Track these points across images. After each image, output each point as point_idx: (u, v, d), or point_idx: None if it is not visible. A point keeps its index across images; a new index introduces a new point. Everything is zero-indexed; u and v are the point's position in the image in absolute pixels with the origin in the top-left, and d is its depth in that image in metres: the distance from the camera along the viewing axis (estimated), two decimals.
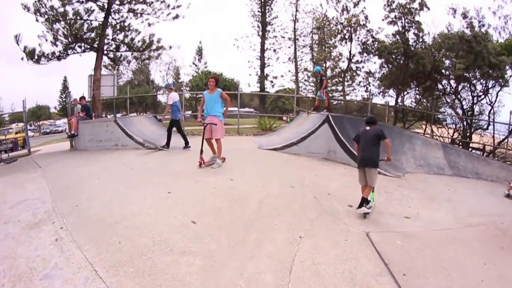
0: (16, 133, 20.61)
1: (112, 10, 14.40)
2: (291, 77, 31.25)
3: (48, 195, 5.23)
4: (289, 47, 30.71)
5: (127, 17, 15.05)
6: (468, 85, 17.93)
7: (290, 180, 6.26)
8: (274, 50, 30.86)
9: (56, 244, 3.52)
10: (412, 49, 17.81)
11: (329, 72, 21.81)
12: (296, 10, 29.66)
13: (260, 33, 30.40)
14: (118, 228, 3.82)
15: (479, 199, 7.02)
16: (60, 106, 49.94)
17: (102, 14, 14.19)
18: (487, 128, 18.16)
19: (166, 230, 3.79)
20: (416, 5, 17.68)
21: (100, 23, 14.13)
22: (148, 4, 15.23)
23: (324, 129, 8.67)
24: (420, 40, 18.08)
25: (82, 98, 11.65)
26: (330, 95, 12.64)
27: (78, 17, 13.65)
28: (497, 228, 5.31)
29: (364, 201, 4.92)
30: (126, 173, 6.46)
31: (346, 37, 19.46)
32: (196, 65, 46.72)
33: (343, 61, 21.18)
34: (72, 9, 13.39)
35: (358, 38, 19.35)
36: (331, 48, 21.81)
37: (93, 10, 14.02)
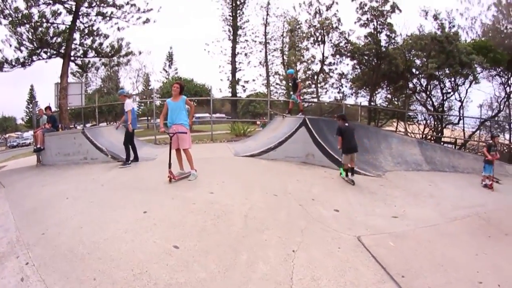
0: None
1: (80, 13, 13.77)
2: (262, 81, 31.34)
3: (11, 222, 4.71)
4: (260, 51, 30.81)
5: (95, 20, 14.49)
6: (438, 83, 18.75)
7: (272, 188, 6.03)
8: (246, 54, 30.72)
9: (21, 286, 3.06)
10: (384, 50, 18.24)
11: (301, 74, 21.92)
12: (267, 14, 29.89)
13: (231, 37, 30.03)
14: (91, 261, 3.39)
15: (459, 192, 7.26)
16: (27, 117, 47.53)
17: (70, 18, 13.57)
18: (458, 123, 19.15)
19: (146, 259, 3.39)
20: (388, 7, 18.17)
21: (67, 26, 13.41)
22: (117, 8, 14.62)
23: (301, 132, 8.53)
24: (392, 41, 18.57)
25: (48, 108, 10.88)
26: (302, 97, 12.65)
27: (44, 20, 12.90)
28: (481, 218, 5.54)
29: (352, 170, 6.92)
30: (97, 190, 5.97)
31: (319, 39, 19.55)
32: (166, 71, 45.97)
33: (316, 64, 21.35)
34: (38, 11, 12.61)
35: (330, 40, 19.58)
36: (303, 51, 21.92)
37: (60, 13, 13.39)
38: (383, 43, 18.59)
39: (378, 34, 18.69)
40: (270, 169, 7.47)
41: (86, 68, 15.94)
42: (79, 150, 9.12)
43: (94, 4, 13.99)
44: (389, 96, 21.61)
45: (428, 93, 19.31)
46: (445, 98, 19.16)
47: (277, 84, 30.44)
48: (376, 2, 18.34)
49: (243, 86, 30.73)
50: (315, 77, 21.51)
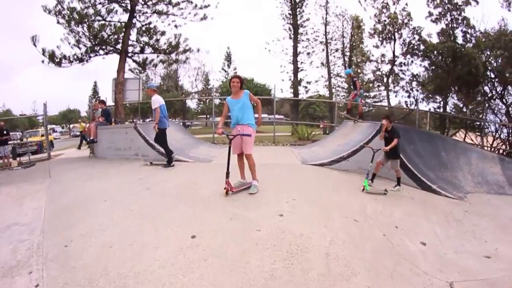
0: (42, 135, 20.18)
1: (136, 12, 13.48)
2: (324, 82, 29.64)
3: (40, 221, 4.24)
4: (322, 50, 29.24)
5: (150, 17, 14.12)
6: None
7: (351, 209, 4.79)
8: (308, 54, 29.02)
9: None
10: (462, 48, 15.64)
11: (370, 75, 19.93)
12: (326, 13, 28.59)
13: (292, 36, 28.73)
14: None
15: None
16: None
17: (126, 16, 13.31)
18: None
19: None
20: None
21: (124, 24, 13.20)
22: (173, 5, 14.17)
23: (377, 141, 7.12)
24: (470, 38, 15.91)
25: (102, 102, 10.71)
26: (364, 100, 10.96)
27: (100, 18, 12.82)
28: None
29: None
30: (140, 195, 5.08)
31: (388, 36, 17.48)
32: (225, 71, 45.96)
33: (386, 63, 19.20)
34: (94, 10, 12.59)
35: (400, 37, 17.45)
36: (369, 50, 19.94)
37: (116, 11, 13.17)
38: (459, 40, 16.11)
39: (453, 30, 16.20)
40: (345, 183, 6.19)
41: (144, 65, 15.74)
42: (130, 146, 8.67)
43: (150, 2, 13.70)
44: (458, 103, 18.80)
45: (503, 99, 16.26)
46: None
47: (338, 86, 28.89)
48: None
49: (306, 87, 28.86)
50: (385, 79, 19.35)
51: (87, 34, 12.71)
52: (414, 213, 5.11)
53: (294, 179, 6.15)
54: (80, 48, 12.89)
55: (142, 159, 8.25)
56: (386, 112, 20.05)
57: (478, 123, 17.25)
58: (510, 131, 15.90)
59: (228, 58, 46.64)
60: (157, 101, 7.39)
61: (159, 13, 13.99)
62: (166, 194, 5.06)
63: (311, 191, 5.41)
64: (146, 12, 13.93)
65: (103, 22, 12.98)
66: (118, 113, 12.75)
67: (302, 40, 28.87)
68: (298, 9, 28.85)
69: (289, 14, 28.70)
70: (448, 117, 17.64)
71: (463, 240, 4.48)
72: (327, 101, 26.56)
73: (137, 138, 8.54)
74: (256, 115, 5.21)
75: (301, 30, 28.70)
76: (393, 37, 17.26)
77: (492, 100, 16.86)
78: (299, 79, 28.24)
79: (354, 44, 28.43)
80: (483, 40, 15.20)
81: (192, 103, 45.04)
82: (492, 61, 15.55)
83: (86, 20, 12.39)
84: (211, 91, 29.11)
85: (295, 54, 28.38)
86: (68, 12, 12.16)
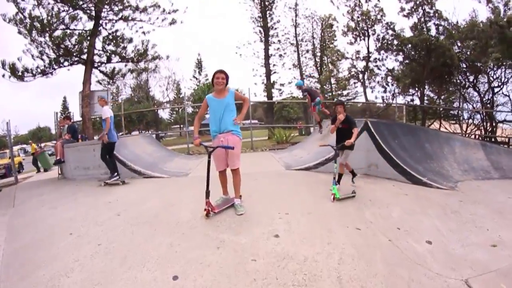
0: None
1: (102, 18, 12.67)
2: None
3: None
4: (293, 51, 29.50)
5: (117, 24, 13.33)
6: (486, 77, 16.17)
7: (350, 216, 4.44)
8: (280, 56, 29.20)
9: None
10: (436, 41, 15.73)
11: (346, 73, 19.85)
12: (296, 15, 28.83)
13: (263, 39, 28.61)
14: None
15: None
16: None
17: (91, 23, 12.50)
18: None
19: None
20: None
21: (88, 32, 12.37)
22: (140, 11, 13.45)
23: (363, 138, 7.00)
24: (442, 30, 16.08)
25: (67, 117, 9.93)
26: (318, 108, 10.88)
27: (64, 27, 11.92)
28: None
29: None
30: (110, 223, 4.42)
31: (362, 33, 17.45)
32: (196, 78, 45.24)
33: (361, 60, 19.18)
34: (57, 18, 11.67)
35: (373, 34, 17.48)
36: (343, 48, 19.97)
37: (80, 18, 12.30)
38: (432, 33, 16.26)
39: (426, 24, 16.40)
40: (342, 188, 5.77)
41: (112, 75, 14.87)
42: (99, 164, 7.86)
43: (116, 8, 12.93)
44: (431, 94, 19.26)
45: (475, 88, 16.81)
46: (493, 92, 16.46)
47: (311, 86, 28.50)
48: None
49: (279, 90, 28.97)
50: (360, 75, 19.35)
51: (50, 44, 11.77)
52: (411, 210, 4.93)
53: (282, 188, 5.68)
54: (43, 60, 11.97)
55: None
56: (361, 107, 20.14)
57: (452, 112, 17.85)
58: (484, 117, 16.50)
59: (199, 65, 46.06)
60: (108, 111, 7.10)
61: (126, 19, 13.21)
62: (139, 221, 4.41)
63: (303, 201, 4.95)
64: (112, 19, 13.12)
65: (66, 30, 12.08)
66: (86, 128, 11.86)
67: (273, 42, 28.99)
68: (268, 11, 28.80)
69: (259, 17, 28.60)
70: (424, 109, 17.89)
71: (465, 231, 4.39)
72: (300, 101, 26.47)
73: None
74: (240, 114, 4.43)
75: (271, 32, 28.79)
76: (366, 33, 17.24)
77: (464, 89, 17.30)
78: (272, 81, 28.09)
79: (324, 44, 28.73)
80: (455, 32, 15.43)
81: (164, 114, 44.06)
82: (464, 52, 15.86)
83: (48, 29, 11.42)
84: (183, 99, 28.34)
85: (267, 56, 28.27)
86: (29, 21, 11.18)
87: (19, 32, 11.41)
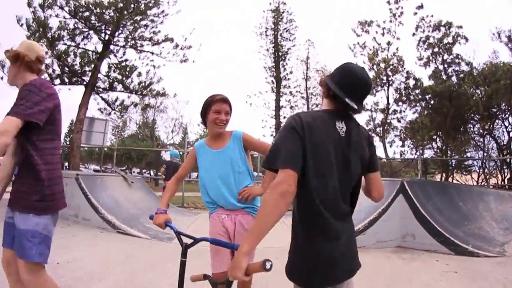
0: None
1: (112, 43, 12.26)
2: None
3: None
4: (304, 104, 29.40)
5: (127, 53, 12.93)
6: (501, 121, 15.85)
7: None
8: (291, 107, 28.78)
9: None
10: (458, 88, 15.10)
11: (365, 125, 18.78)
12: (307, 68, 29.17)
13: (275, 89, 28.50)
14: None
15: None
16: None
17: (100, 46, 12.11)
18: None
19: None
20: (450, 39, 15.48)
21: (97, 55, 11.83)
22: (154, 43, 13.07)
23: (398, 203, 5.81)
24: (463, 76, 15.39)
25: None
26: None
27: (74, 44, 11.55)
28: None
29: None
30: None
31: (383, 82, 16.71)
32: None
33: (380, 112, 18.21)
34: (69, 35, 11.32)
35: (393, 83, 16.80)
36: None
37: (91, 38, 11.98)
38: (453, 79, 15.63)
39: (445, 71, 15.86)
40: (370, 270, 4.20)
41: (114, 105, 14.14)
42: (70, 203, 6.27)
43: (130, 37, 12.57)
44: (440, 144, 18.22)
45: (491, 134, 16.33)
46: (510, 136, 15.94)
47: None
48: (438, 33, 15.58)
49: None
50: (378, 129, 18.18)
51: (54, 59, 11.26)
52: None
53: None
54: (47, 72, 11.28)
55: (83, 224, 6.05)
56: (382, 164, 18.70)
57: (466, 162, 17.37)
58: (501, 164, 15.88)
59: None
60: None
61: (135, 47, 12.75)
62: None
63: None
64: (124, 46, 12.72)
65: (74, 48, 11.69)
66: (72, 157, 10.64)
67: (285, 94, 28.86)
68: (281, 62, 29.04)
69: (272, 66, 28.72)
70: (445, 162, 16.76)
71: None
72: None
73: (78, 194, 6.31)
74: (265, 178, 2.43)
75: (284, 83, 28.70)
76: (387, 83, 16.55)
77: (481, 137, 16.88)
78: None
79: None
80: (481, 76, 14.88)
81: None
82: (484, 98, 15.22)
83: (57, 41, 11.02)
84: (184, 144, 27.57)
85: (278, 107, 27.93)
86: (41, 29, 10.72)
87: (28, 37, 10.88)
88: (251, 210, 2.25)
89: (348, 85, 1.38)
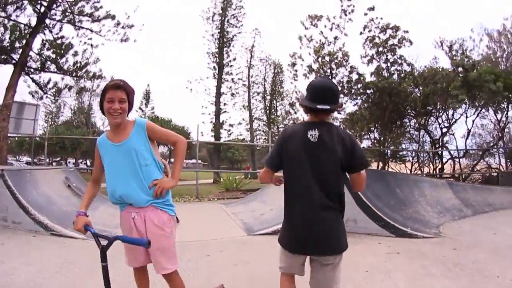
0: None
1: (48, 17, 10.88)
2: (246, 125, 30.06)
3: None
4: (245, 91, 29.67)
5: (63, 29, 11.62)
6: (435, 118, 17.73)
7: None
8: (232, 94, 28.38)
9: None
10: (399, 86, 16.26)
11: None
12: (251, 56, 29.67)
13: (217, 75, 27.87)
14: None
15: None
16: None
17: (34, 19, 10.66)
18: (463, 156, 18.06)
19: None
20: (396, 41, 16.71)
21: (30, 29, 10.43)
22: (93, 21, 11.96)
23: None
24: (405, 76, 16.74)
25: None
26: None
27: (4, 15, 9.99)
28: None
29: None
30: None
31: (327, 74, 17.35)
32: (142, 110, 42.81)
33: None
34: None
35: (336, 77, 17.62)
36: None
37: (25, 9, 10.43)
38: (394, 77, 16.90)
39: (388, 69, 17.12)
40: None
41: (46, 88, 12.73)
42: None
43: (69, 11, 11.32)
44: (377, 136, 19.81)
45: (426, 129, 18.26)
46: (442, 133, 18.11)
47: (259, 130, 30.76)
48: (384, 34, 16.86)
49: (228, 130, 27.86)
50: None
51: None
52: (415, 273, 4.06)
53: (253, 272, 3.86)
54: None
55: (13, 228, 5.21)
56: None
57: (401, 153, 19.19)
58: (432, 155, 18.10)
59: (147, 96, 43.89)
60: None
61: (73, 23, 11.50)
62: None
63: None
64: (61, 20, 11.35)
65: (6, 20, 10.11)
66: None
67: (226, 80, 28.36)
68: (225, 48, 28.53)
69: (216, 52, 28.11)
70: (382, 152, 18.37)
71: (481, 286, 3.80)
72: (248, 144, 26.09)
73: (5, 193, 5.33)
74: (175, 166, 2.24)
75: (226, 69, 28.24)
76: (330, 76, 17.24)
77: (416, 131, 18.85)
78: (221, 121, 27.10)
79: (275, 88, 29.61)
80: (421, 78, 16.41)
81: None
82: (420, 95, 16.77)
83: None
84: None
85: (218, 94, 27.43)
86: None
87: None
88: (160, 205, 2.08)
89: (315, 95, 1.88)
